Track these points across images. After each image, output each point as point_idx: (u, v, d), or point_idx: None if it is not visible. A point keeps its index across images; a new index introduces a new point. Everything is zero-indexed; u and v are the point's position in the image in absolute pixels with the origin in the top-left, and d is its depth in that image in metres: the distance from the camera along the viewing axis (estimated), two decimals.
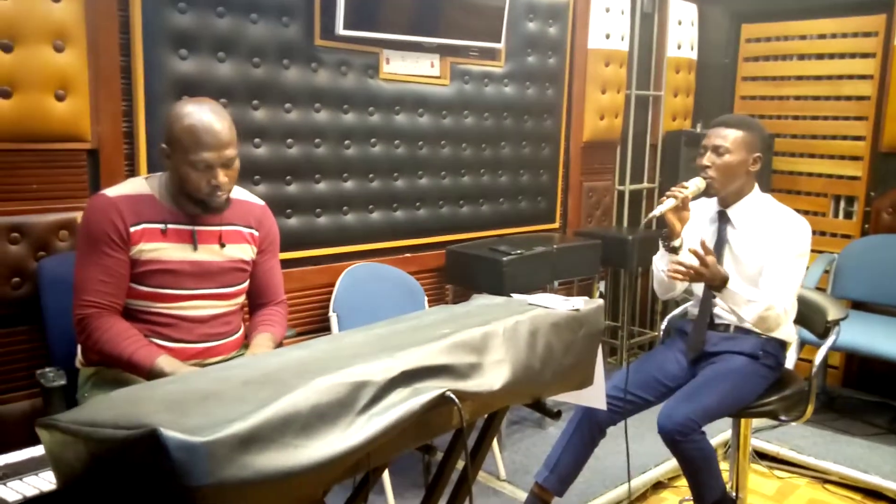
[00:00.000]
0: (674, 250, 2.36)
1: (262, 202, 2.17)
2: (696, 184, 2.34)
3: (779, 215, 2.37)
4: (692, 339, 2.46)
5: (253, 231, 2.09)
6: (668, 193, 2.30)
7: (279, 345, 2.11)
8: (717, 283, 2.25)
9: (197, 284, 1.97)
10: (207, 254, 1.98)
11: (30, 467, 1.30)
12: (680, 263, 2.23)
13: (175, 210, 1.94)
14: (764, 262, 2.32)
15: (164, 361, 1.82)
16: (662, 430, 2.20)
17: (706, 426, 2.23)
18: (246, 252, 2.08)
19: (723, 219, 2.43)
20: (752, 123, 2.42)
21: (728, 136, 2.35)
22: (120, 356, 1.84)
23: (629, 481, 2.41)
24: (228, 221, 2.03)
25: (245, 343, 2.16)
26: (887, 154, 3.74)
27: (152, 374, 1.80)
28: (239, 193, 2.10)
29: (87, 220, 1.90)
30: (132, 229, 1.88)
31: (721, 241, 2.41)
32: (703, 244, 2.21)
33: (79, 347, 2.00)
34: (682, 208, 2.30)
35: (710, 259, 2.21)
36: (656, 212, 2.27)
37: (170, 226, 1.93)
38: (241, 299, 2.13)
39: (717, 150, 2.35)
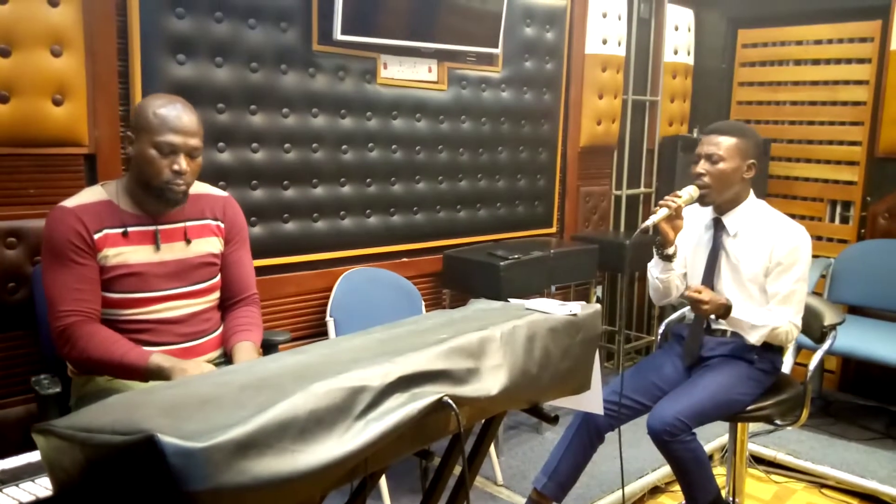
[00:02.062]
0: (668, 258, 2.38)
1: (225, 193, 2.17)
2: (690, 192, 2.33)
3: (776, 224, 2.35)
4: (688, 345, 2.46)
5: (219, 223, 2.09)
6: (660, 203, 2.30)
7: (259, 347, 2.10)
8: (721, 313, 2.29)
9: (166, 284, 1.96)
10: (173, 252, 1.98)
11: (26, 473, 1.30)
12: (690, 296, 2.29)
13: (136, 212, 1.94)
14: (761, 271, 2.32)
15: (159, 358, 1.81)
16: (651, 431, 2.20)
17: (704, 430, 2.23)
18: (214, 245, 2.07)
19: (718, 226, 2.43)
20: (746, 130, 2.40)
21: (721, 144, 2.33)
22: (111, 360, 1.81)
23: (622, 488, 2.40)
24: (192, 216, 2.03)
25: (223, 347, 2.12)
26: (883, 159, 3.75)
27: (148, 372, 1.79)
28: (201, 188, 2.09)
29: (49, 234, 1.88)
30: (95, 236, 1.87)
31: (717, 249, 2.41)
32: (691, 289, 2.29)
33: None
34: (675, 217, 2.30)
35: (706, 294, 2.26)
36: (649, 222, 2.27)
37: (131, 228, 1.92)
38: (217, 295, 2.11)
39: (710, 157, 2.33)
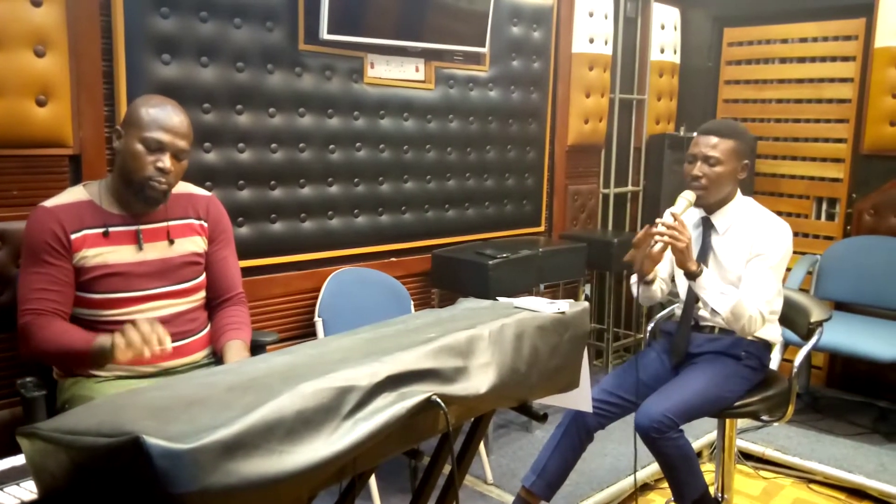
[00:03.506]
0: (648, 283, 2.41)
1: (208, 193, 2.17)
2: (688, 198, 2.33)
3: (760, 221, 2.37)
4: (675, 342, 2.47)
5: (202, 222, 2.09)
6: (657, 238, 2.23)
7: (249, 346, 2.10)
8: (693, 268, 2.25)
9: (149, 284, 1.96)
10: (156, 251, 1.97)
11: (10, 477, 1.29)
12: (665, 224, 2.22)
13: (117, 212, 1.94)
14: (743, 271, 2.33)
15: (103, 338, 1.78)
16: (639, 428, 2.21)
17: (692, 426, 2.24)
18: (197, 244, 2.07)
19: (706, 225, 2.44)
20: (740, 130, 2.41)
21: (718, 146, 2.32)
22: (58, 350, 1.82)
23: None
24: (175, 216, 2.03)
25: (212, 347, 2.12)
26: (868, 156, 3.78)
27: (92, 354, 1.77)
28: (183, 187, 2.09)
29: (27, 233, 1.89)
30: (73, 236, 1.87)
31: (705, 248, 2.41)
32: (675, 216, 2.24)
33: None
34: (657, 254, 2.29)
35: (687, 235, 2.23)
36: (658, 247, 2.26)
37: (112, 228, 1.92)
38: (202, 294, 2.11)
39: (707, 160, 2.32)
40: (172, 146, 1.89)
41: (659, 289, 2.48)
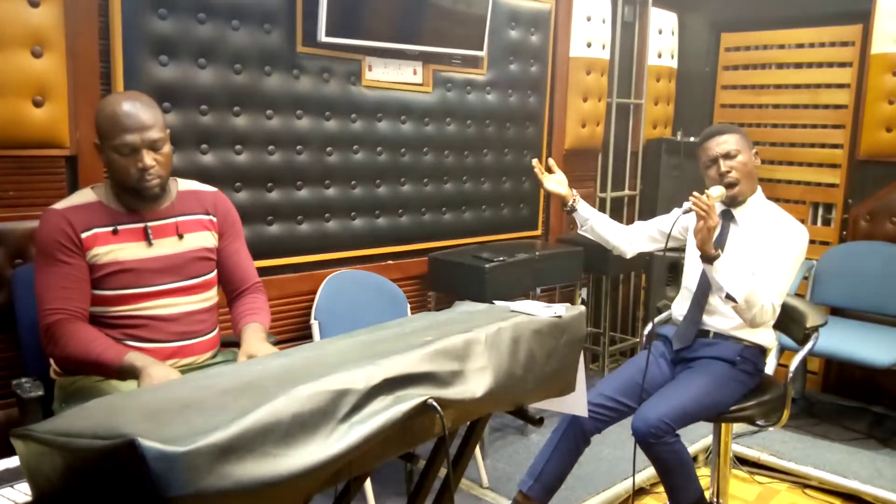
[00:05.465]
0: (572, 210, 2.66)
1: (213, 189, 2.17)
2: (721, 190, 2.36)
3: (780, 220, 2.41)
4: (683, 328, 2.47)
5: (211, 217, 2.09)
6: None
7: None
8: (712, 252, 2.23)
9: (159, 280, 1.95)
10: (165, 247, 1.97)
11: (5, 479, 1.28)
12: (700, 198, 2.22)
13: (124, 211, 1.94)
14: (758, 264, 2.34)
15: (134, 356, 1.79)
16: (636, 432, 2.22)
17: (687, 430, 2.24)
18: (207, 239, 2.07)
19: (727, 217, 2.46)
20: (735, 125, 2.52)
21: (730, 140, 2.41)
22: (87, 358, 1.81)
23: None
24: (183, 212, 2.03)
25: (225, 341, 2.13)
26: (864, 162, 3.79)
27: (122, 370, 1.78)
28: (189, 185, 2.10)
29: (39, 235, 1.89)
30: (83, 235, 1.87)
31: (722, 239, 2.42)
32: (710, 197, 2.25)
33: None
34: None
35: (717, 218, 2.22)
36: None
37: (121, 227, 1.92)
38: (212, 294, 2.10)
39: (727, 155, 2.39)
40: (144, 142, 1.86)
41: (588, 226, 2.66)
